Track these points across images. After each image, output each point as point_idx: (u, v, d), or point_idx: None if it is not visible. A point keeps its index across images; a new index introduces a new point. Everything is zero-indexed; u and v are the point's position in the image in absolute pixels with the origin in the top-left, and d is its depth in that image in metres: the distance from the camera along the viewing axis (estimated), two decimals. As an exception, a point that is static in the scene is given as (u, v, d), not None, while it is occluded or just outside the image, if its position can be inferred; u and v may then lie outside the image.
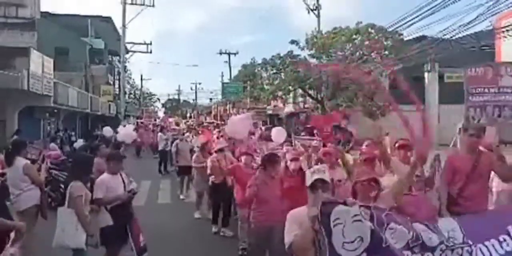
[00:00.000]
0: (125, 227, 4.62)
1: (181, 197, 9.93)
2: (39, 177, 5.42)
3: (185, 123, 30.04)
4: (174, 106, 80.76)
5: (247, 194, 4.73)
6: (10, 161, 5.21)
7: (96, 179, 6.05)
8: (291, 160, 4.79)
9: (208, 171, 7.09)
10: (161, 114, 77.49)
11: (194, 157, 8.49)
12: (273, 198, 4.47)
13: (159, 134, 16.36)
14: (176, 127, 19.84)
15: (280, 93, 27.25)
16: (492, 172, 4.49)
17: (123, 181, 4.76)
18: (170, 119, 35.06)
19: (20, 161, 5.20)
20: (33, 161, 12.48)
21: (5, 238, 3.41)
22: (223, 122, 28.43)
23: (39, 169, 5.86)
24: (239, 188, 5.77)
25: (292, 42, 24.12)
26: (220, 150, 7.08)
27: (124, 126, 15.63)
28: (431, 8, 13.29)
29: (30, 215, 5.12)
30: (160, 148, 15.15)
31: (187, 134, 13.84)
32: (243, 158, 6.04)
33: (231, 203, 6.84)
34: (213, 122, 30.41)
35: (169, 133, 16.04)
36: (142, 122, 37.58)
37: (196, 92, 67.07)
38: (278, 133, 8.35)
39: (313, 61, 24.63)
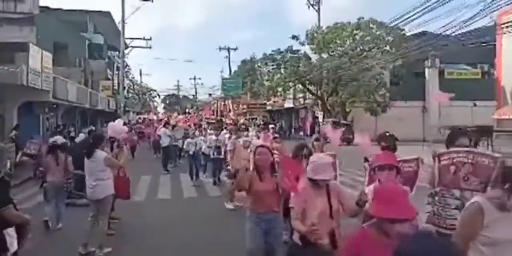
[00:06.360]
0: None
1: (230, 207, 8.04)
2: (118, 162, 6.11)
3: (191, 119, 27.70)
4: (174, 101, 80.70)
5: None
6: (90, 154, 5.63)
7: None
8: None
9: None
10: (160, 109, 77.67)
11: None
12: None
13: (163, 129, 15.15)
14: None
15: (279, 89, 27.23)
16: None
17: None
18: (161, 116, 34.85)
19: (100, 154, 5.64)
20: (31, 156, 12.42)
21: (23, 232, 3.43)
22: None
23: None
24: None
25: (293, 37, 24.02)
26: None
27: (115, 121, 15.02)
28: (432, 4, 13.26)
29: (108, 203, 5.68)
30: (165, 144, 14.28)
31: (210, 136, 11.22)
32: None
33: None
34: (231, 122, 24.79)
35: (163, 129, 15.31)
36: (144, 118, 37.61)
37: (195, 88, 67.09)
38: None
39: (314, 56, 24.60)
